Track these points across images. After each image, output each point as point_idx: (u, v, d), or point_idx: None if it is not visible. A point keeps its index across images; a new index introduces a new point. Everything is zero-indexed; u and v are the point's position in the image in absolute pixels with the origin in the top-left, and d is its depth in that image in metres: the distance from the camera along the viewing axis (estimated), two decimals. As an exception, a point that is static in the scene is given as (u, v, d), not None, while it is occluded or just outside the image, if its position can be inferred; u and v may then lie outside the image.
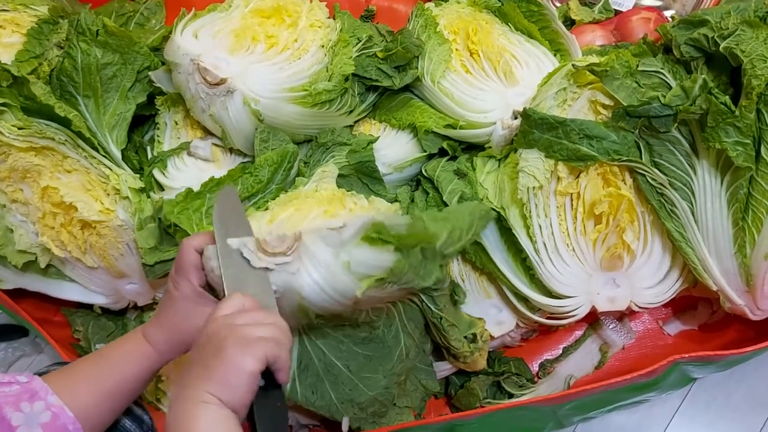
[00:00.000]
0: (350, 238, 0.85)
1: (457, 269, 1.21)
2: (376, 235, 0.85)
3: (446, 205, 1.15)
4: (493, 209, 1.13)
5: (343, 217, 0.99)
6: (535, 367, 1.31)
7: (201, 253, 0.84)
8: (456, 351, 1.11)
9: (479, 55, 1.26)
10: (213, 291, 0.85)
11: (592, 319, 1.30)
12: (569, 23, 1.50)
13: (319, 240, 0.85)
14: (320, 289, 0.85)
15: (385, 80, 1.24)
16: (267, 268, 0.82)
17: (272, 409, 0.73)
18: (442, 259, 1.00)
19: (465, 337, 1.11)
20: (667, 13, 1.47)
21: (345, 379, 1.03)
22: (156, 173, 1.18)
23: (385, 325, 1.03)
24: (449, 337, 1.08)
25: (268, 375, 0.72)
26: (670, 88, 1.02)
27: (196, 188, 1.05)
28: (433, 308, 1.06)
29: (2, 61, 1.13)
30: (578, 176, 1.07)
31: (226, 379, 0.67)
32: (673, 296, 1.12)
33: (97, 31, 1.15)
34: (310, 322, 0.92)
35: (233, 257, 0.82)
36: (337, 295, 0.85)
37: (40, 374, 0.82)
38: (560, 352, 1.31)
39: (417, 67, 1.25)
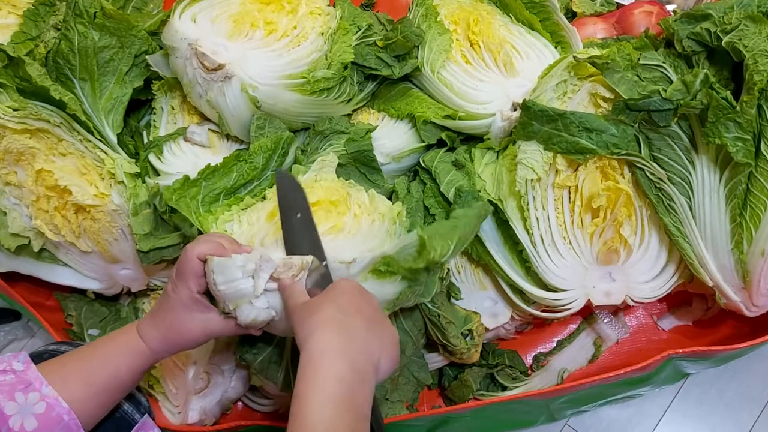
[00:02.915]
0: (358, 272, 0.86)
1: (453, 261, 1.20)
2: (384, 268, 0.86)
3: (444, 196, 1.15)
4: (491, 201, 1.13)
5: (347, 228, 0.98)
6: (529, 360, 1.31)
7: (204, 261, 0.84)
8: (453, 348, 1.11)
9: (480, 46, 1.25)
10: (212, 298, 0.85)
11: (587, 313, 1.30)
12: (571, 15, 1.49)
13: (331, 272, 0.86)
14: None
15: (385, 69, 1.23)
16: (266, 290, 0.84)
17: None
18: (442, 269, 1.01)
19: (461, 334, 1.11)
20: (669, 7, 1.47)
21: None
22: (152, 158, 1.17)
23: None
24: (448, 334, 1.08)
25: None
26: (671, 82, 1.01)
27: (192, 174, 1.04)
28: (431, 307, 1.06)
29: (-2, 42, 1.12)
30: (577, 169, 1.07)
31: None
32: (669, 291, 1.12)
33: (95, 13, 1.14)
34: None
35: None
36: None
37: (34, 355, 0.82)
38: (554, 345, 1.32)
39: (417, 57, 1.24)
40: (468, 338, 1.13)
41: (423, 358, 1.19)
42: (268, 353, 1.04)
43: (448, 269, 1.15)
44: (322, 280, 0.85)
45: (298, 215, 0.91)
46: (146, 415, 0.97)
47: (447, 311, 1.07)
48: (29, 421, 0.76)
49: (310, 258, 0.85)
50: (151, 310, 0.88)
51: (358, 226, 0.99)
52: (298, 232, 0.90)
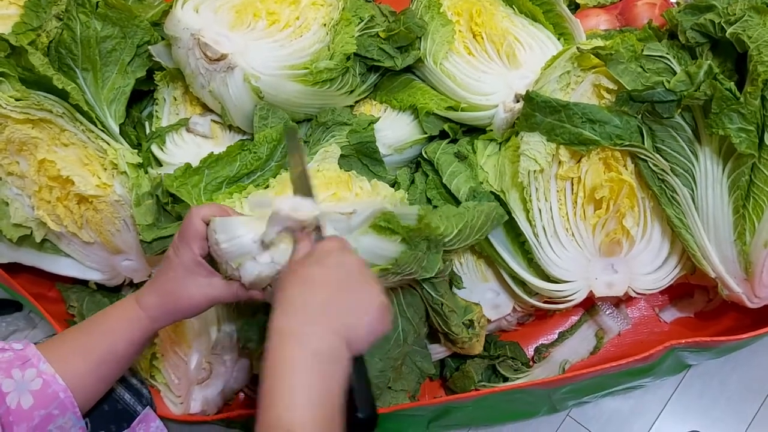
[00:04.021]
0: (359, 224, 0.85)
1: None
2: (385, 224, 0.85)
3: (446, 187, 1.15)
4: (493, 193, 1.13)
5: (349, 201, 0.98)
6: (530, 352, 1.31)
7: (207, 223, 0.83)
8: (455, 337, 1.11)
9: (482, 37, 1.25)
10: (214, 263, 0.85)
11: (589, 305, 1.30)
12: (574, 7, 1.48)
13: (328, 224, 0.84)
14: None
15: (387, 61, 1.23)
16: (272, 243, 0.82)
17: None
18: (447, 253, 1.00)
19: (463, 323, 1.11)
20: (672, -1, 1.47)
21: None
22: (154, 149, 1.17)
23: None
24: (450, 323, 1.08)
25: None
26: (675, 73, 1.01)
27: (194, 164, 1.04)
28: (433, 294, 1.05)
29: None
30: (579, 160, 1.07)
31: None
32: (671, 283, 1.12)
33: (97, 3, 1.14)
34: None
35: None
36: None
37: (35, 344, 0.82)
38: (556, 336, 1.32)
39: (419, 48, 1.24)
40: (470, 328, 1.13)
41: (426, 348, 1.19)
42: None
43: (451, 258, 1.15)
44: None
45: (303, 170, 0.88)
46: (148, 407, 0.97)
47: (449, 300, 1.07)
48: (26, 398, 0.75)
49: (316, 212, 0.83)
50: (150, 279, 0.87)
51: (359, 201, 0.98)
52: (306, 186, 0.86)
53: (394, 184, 1.19)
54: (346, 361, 0.66)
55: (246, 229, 0.82)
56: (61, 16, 1.17)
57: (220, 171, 1.04)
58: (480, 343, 1.17)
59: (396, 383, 1.11)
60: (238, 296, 0.86)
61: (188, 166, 1.02)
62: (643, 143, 1.02)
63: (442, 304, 1.06)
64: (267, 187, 1.06)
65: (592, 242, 1.10)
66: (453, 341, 1.14)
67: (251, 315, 1.06)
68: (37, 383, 0.76)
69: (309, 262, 0.72)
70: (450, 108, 1.22)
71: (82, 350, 0.81)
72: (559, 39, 1.29)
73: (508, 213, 1.11)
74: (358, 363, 0.69)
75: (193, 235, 0.83)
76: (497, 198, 1.12)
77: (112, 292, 1.30)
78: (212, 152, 1.05)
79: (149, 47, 1.19)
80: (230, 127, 1.23)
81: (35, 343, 0.81)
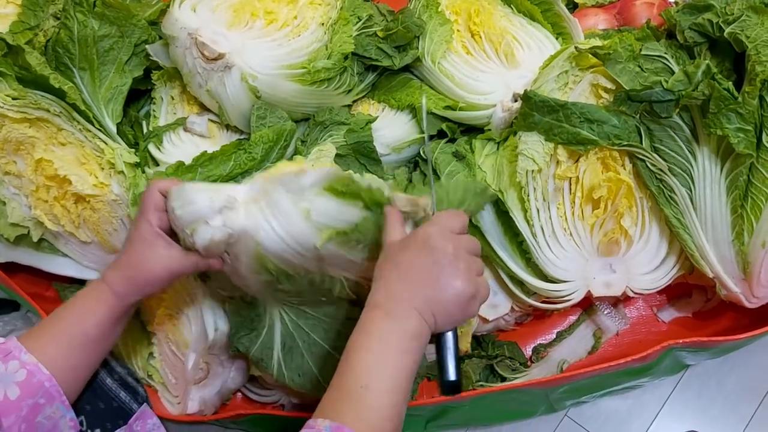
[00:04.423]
0: (311, 184, 0.83)
1: (453, 252, 1.20)
2: (343, 187, 0.83)
3: (444, 187, 1.14)
4: (491, 192, 1.13)
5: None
6: (528, 352, 1.31)
7: (166, 196, 0.85)
8: None
9: (481, 37, 1.25)
10: (176, 236, 0.86)
11: (587, 305, 1.30)
12: (572, 6, 1.48)
13: (279, 184, 0.83)
14: (276, 236, 0.83)
15: (385, 60, 1.23)
16: (226, 207, 0.83)
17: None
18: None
19: None
20: (670, -1, 1.46)
21: (331, 359, 1.03)
22: (151, 148, 1.16)
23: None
24: None
25: None
26: (673, 73, 1.01)
27: (189, 163, 1.04)
28: None
29: (-3, 32, 1.11)
30: (578, 160, 1.07)
31: None
32: (669, 283, 1.12)
33: (95, 2, 1.13)
34: (273, 280, 0.90)
35: None
36: (295, 244, 0.84)
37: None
38: (554, 336, 1.31)
39: (417, 48, 1.24)
40: None
41: None
42: (261, 342, 1.03)
43: None
44: None
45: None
46: (144, 404, 0.97)
47: None
48: (12, 389, 0.76)
49: (429, 203, 0.85)
50: (116, 256, 0.88)
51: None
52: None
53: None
54: (426, 338, 0.72)
55: (200, 194, 0.82)
56: (59, 15, 1.16)
57: (213, 170, 1.03)
58: (467, 341, 1.17)
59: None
60: (197, 266, 0.87)
61: (181, 163, 1.02)
62: (641, 143, 1.02)
63: None
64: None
65: (590, 242, 1.10)
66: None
67: (242, 310, 1.05)
68: (21, 374, 0.77)
69: (407, 245, 0.75)
70: (448, 107, 1.22)
71: (58, 336, 0.82)
72: (557, 38, 1.28)
73: (506, 213, 1.10)
74: (451, 334, 0.76)
75: (150, 206, 0.84)
76: (495, 198, 1.12)
77: (109, 291, 1.29)
78: (205, 151, 1.04)
79: (147, 46, 1.19)
80: (228, 127, 1.22)
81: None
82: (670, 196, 1.05)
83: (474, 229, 1.13)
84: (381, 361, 0.69)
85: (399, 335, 0.70)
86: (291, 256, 0.85)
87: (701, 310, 1.27)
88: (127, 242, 0.87)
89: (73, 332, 0.83)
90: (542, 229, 1.09)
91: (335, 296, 0.97)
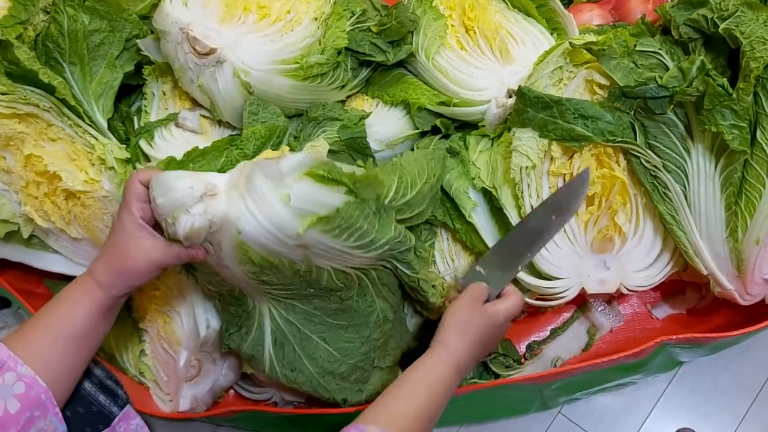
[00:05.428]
0: (290, 170, 0.82)
1: (447, 249, 1.20)
2: (324, 173, 0.82)
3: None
4: (485, 189, 1.12)
5: None
6: (522, 349, 1.31)
7: (148, 187, 0.84)
8: (432, 305, 1.08)
9: (475, 32, 1.24)
10: (160, 228, 0.85)
11: (581, 302, 1.30)
12: (567, 2, 1.48)
13: (258, 170, 0.82)
14: (257, 223, 0.82)
15: (379, 55, 1.22)
16: (207, 194, 0.82)
17: None
18: (403, 219, 0.98)
19: (437, 292, 1.10)
20: (666, -6, 1.46)
21: (323, 352, 1.02)
22: (142, 144, 1.16)
23: (358, 295, 1.01)
24: (428, 295, 1.06)
25: None
26: (668, 69, 1.00)
27: (180, 158, 1.03)
28: (409, 273, 1.03)
29: (-14, 26, 1.10)
30: (572, 157, 1.06)
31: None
32: (663, 280, 1.12)
33: (85, -4, 1.13)
34: (258, 272, 0.89)
35: None
36: (276, 231, 0.82)
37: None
38: (548, 333, 1.31)
39: (411, 43, 1.23)
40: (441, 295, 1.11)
41: (404, 321, 1.16)
42: (252, 339, 1.03)
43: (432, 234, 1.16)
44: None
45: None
46: (128, 405, 0.96)
47: (425, 274, 1.05)
48: (12, 403, 0.75)
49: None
50: (100, 249, 0.88)
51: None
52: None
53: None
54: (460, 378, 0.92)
55: (180, 182, 0.82)
56: (49, 10, 1.15)
57: (204, 166, 1.02)
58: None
59: (382, 360, 1.09)
60: (180, 256, 0.86)
61: (172, 159, 1.01)
62: (636, 139, 1.02)
63: (418, 281, 1.04)
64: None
65: (584, 239, 1.10)
66: (430, 309, 1.12)
67: (231, 306, 1.05)
68: (19, 387, 0.76)
69: (489, 321, 0.93)
70: (442, 103, 1.21)
71: (47, 335, 0.81)
72: (552, 34, 1.28)
73: (500, 209, 1.10)
74: None
75: (132, 198, 0.84)
76: (489, 194, 1.12)
77: (100, 288, 1.28)
78: (197, 146, 1.03)
79: (138, 41, 1.18)
80: (220, 123, 1.22)
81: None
82: (664, 192, 1.04)
83: (468, 225, 1.13)
84: (436, 402, 0.85)
85: (455, 383, 0.89)
86: (274, 244, 0.84)
87: (695, 307, 1.27)
88: (110, 234, 0.87)
89: (62, 329, 0.82)
90: (535, 226, 1.08)
91: (323, 287, 0.96)
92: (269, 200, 0.81)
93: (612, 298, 1.30)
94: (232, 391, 1.26)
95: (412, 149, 1.24)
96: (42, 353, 0.79)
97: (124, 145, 1.14)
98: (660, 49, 1.03)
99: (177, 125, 1.19)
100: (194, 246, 0.85)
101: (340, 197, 0.84)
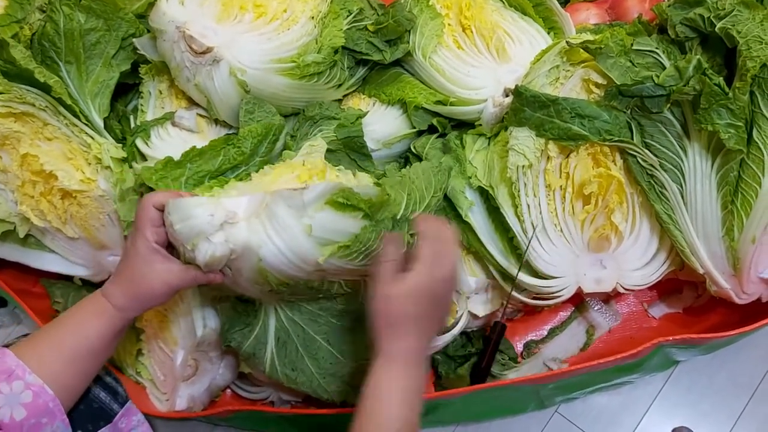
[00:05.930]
0: (312, 200, 0.83)
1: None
2: (343, 200, 0.83)
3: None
4: (481, 188, 1.12)
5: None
6: (519, 348, 1.31)
7: (161, 210, 0.84)
8: None
9: (472, 31, 1.24)
10: (174, 249, 0.85)
11: (578, 301, 1.30)
12: (564, 1, 1.47)
13: (281, 200, 0.83)
14: (279, 252, 0.83)
15: (376, 54, 1.22)
16: (227, 222, 0.83)
17: None
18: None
19: None
20: (663, -7, 1.46)
21: (326, 353, 1.02)
22: (139, 143, 1.15)
23: (364, 298, 1.02)
24: None
25: None
26: (664, 68, 1.00)
27: (177, 158, 1.03)
28: None
29: (-19, 25, 1.10)
30: (568, 156, 1.06)
31: None
32: (660, 279, 1.12)
33: (81, -6, 1.12)
34: (272, 290, 0.90)
35: None
36: (297, 260, 0.84)
37: (7, 345, 0.81)
38: (545, 333, 1.31)
39: (408, 42, 1.23)
40: None
41: None
42: (255, 337, 1.03)
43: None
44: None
45: None
46: (129, 401, 0.96)
47: None
48: (18, 411, 0.76)
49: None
50: (114, 271, 0.88)
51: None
52: None
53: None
54: (425, 360, 0.80)
55: (199, 209, 0.82)
56: (45, 8, 1.15)
57: (202, 165, 1.02)
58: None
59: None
60: (197, 280, 0.86)
61: (169, 159, 1.01)
62: (632, 138, 1.02)
63: None
64: (250, 180, 1.04)
65: (580, 238, 1.10)
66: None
67: (237, 306, 1.05)
68: (27, 395, 0.76)
69: (413, 299, 0.78)
70: (439, 102, 1.21)
71: (57, 350, 0.81)
72: (548, 33, 1.28)
73: (496, 208, 1.10)
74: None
75: (146, 222, 0.83)
76: (485, 193, 1.12)
77: (97, 287, 1.27)
78: (194, 146, 1.03)
79: (134, 40, 1.18)
80: (216, 121, 1.21)
81: (8, 345, 0.81)
82: (660, 191, 1.04)
83: (464, 225, 1.13)
84: (404, 406, 0.76)
85: (415, 375, 0.78)
86: (293, 270, 0.86)
87: (692, 306, 1.27)
88: (123, 258, 0.86)
89: (74, 346, 0.82)
90: (533, 224, 1.08)
91: (332, 293, 0.99)
92: (292, 231, 0.82)
93: (609, 297, 1.30)
94: (229, 390, 1.26)
95: (409, 148, 1.23)
96: (52, 366, 0.80)
97: (120, 145, 1.14)
98: (657, 48, 1.03)
99: (173, 124, 1.19)
100: (213, 270, 0.85)
101: (356, 223, 0.85)
